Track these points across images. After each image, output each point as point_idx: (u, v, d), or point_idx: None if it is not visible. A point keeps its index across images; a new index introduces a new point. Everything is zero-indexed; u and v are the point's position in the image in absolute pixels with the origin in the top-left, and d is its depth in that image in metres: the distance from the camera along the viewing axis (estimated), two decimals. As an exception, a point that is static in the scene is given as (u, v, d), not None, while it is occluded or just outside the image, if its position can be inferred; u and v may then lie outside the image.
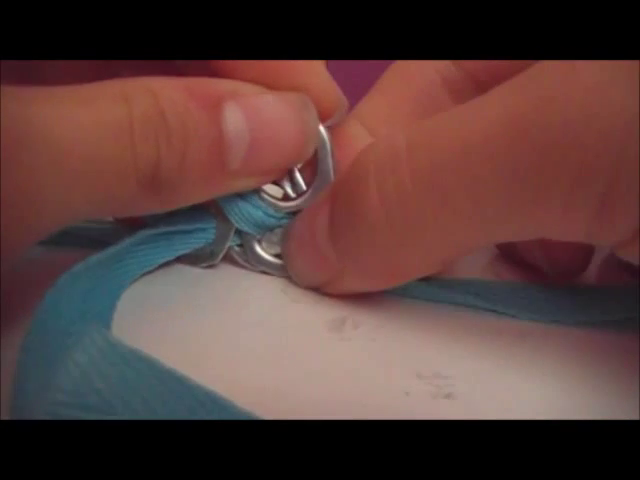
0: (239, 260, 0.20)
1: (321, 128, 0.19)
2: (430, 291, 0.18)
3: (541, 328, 0.17)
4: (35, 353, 0.13)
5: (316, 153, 0.19)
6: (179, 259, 0.20)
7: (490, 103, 0.14)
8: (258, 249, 0.20)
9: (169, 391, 0.11)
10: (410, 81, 0.20)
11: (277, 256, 0.20)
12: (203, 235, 0.19)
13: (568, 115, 0.13)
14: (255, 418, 0.12)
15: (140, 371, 0.11)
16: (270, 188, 0.20)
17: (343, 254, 0.17)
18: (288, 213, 0.19)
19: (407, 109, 0.20)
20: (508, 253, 0.21)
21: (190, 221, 0.19)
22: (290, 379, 0.15)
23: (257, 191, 0.19)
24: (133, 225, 0.19)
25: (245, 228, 0.19)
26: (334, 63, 0.32)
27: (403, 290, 0.18)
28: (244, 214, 0.19)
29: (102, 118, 0.14)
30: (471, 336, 0.17)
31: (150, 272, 0.19)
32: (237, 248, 0.20)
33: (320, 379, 0.15)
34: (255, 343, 0.16)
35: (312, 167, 0.19)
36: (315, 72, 0.17)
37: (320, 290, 0.18)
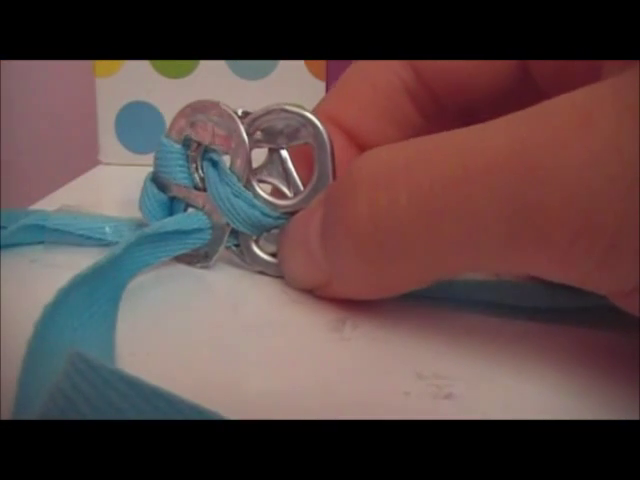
0: (237, 260, 0.20)
1: (322, 129, 0.19)
2: (429, 289, 0.18)
3: (541, 328, 0.17)
4: (36, 367, 0.13)
5: (314, 153, 0.19)
6: (176, 259, 0.20)
7: (496, 131, 0.14)
8: (255, 248, 0.20)
9: (153, 409, 0.11)
10: (376, 85, 0.20)
11: (274, 255, 0.20)
12: (199, 236, 0.19)
13: (580, 160, 0.12)
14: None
15: (123, 392, 0.11)
16: (267, 188, 0.20)
17: (332, 261, 0.17)
18: (285, 213, 0.19)
19: (375, 113, 0.20)
20: None
21: (187, 222, 0.19)
22: (290, 379, 0.15)
23: (253, 190, 0.19)
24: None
25: (241, 228, 0.19)
26: (334, 63, 0.32)
27: None
28: (240, 213, 0.19)
29: None
30: (471, 336, 0.17)
31: (148, 272, 0.19)
32: (234, 248, 0.20)
33: (320, 379, 0.15)
34: (255, 343, 0.16)
35: (310, 168, 0.19)
36: None
37: (313, 293, 0.18)
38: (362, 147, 0.20)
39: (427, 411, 0.14)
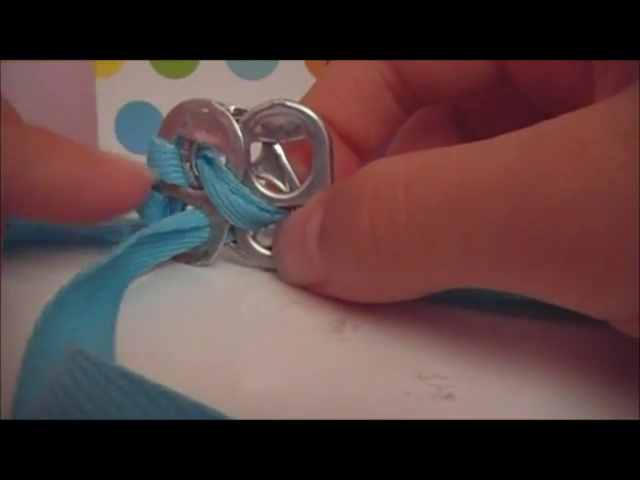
0: (237, 259, 0.20)
1: (321, 124, 0.19)
2: None
3: (541, 327, 0.17)
4: (36, 367, 0.13)
5: (313, 149, 0.19)
6: (175, 258, 0.20)
7: (492, 153, 0.14)
8: (251, 242, 0.20)
9: (156, 406, 0.11)
10: (359, 82, 0.20)
11: (270, 248, 0.20)
12: (198, 234, 0.20)
13: (571, 188, 0.13)
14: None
15: (125, 389, 0.11)
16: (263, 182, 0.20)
17: (329, 264, 0.17)
18: (282, 208, 0.19)
19: (359, 109, 0.20)
20: None
21: (185, 221, 0.19)
22: (290, 380, 0.15)
23: (251, 185, 0.19)
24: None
25: (239, 224, 0.19)
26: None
27: None
28: (238, 210, 0.19)
29: None
30: (471, 336, 0.17)
31: (147, 272, 0.19)
32: (232, 244, 0.20)
33: (320, 379, 0.15)
34: (255, 343, 0.16)
35: (308, 163, 0.19)
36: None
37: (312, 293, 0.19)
38: (347, 141, 0.20)
39: (427, 411, 0.14)
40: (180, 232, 0.19)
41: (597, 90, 0.15)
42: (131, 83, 0.32)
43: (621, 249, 0.12)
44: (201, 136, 0.19)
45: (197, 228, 0.19)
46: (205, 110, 0.19)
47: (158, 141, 0.20)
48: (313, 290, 0.18)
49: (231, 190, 0.19)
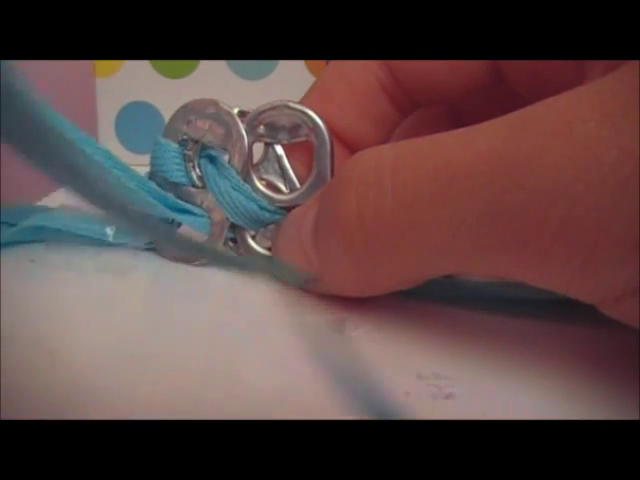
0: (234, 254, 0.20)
1: (322, 126, 0.19)
2: (429, 288, 0.18)
3: (542, 328, 0.17)
4: None
5: (314, 150, 0.19)
6: (175, 258, 0.20)
7: (479, 136, 0.14)
8: (250, 241, 0.20)
9: None
10: (354, 86, 0.20)
11: (269, 250, 0.20)
12: (196, 224, 0.20)
13: (557, 167, 0.13)
14: None
15: None
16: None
17: (321, 256, 0.17)
18: (282, 208, 0.19)
19: (353, 111, 0.20)
20: None
21: (184, 217, 0.19)
22: (290, 379, 0.15)
23: (252, 184, 0.19)
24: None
25: (239, 222, 0.19)
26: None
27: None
28: (239, 207, 0.19)
29: None
30: (471, 336, 0.17)
31: (146, 271, 0.19)
32: (231, 243, 0.20)
33: (320, 379, 0.15)
34: (254, 343, 0.16)
35: (308, 166, 0.19)
36: None
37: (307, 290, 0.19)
38: (344, 144, 0.21)
39: (427, 411, 0.14)
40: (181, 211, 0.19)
41: (586, 75, 0.15)
42: (131, 83, 0.32)
43: (608, 226, 0.12)
44: (206, 135, 0.20)
45: (195, 217, 0.20)
46: (211, 109, 0.19)
47: (163, 141, 0.20)
48: (308, 288, 0.18)
49: (233, 187, 0.19)
